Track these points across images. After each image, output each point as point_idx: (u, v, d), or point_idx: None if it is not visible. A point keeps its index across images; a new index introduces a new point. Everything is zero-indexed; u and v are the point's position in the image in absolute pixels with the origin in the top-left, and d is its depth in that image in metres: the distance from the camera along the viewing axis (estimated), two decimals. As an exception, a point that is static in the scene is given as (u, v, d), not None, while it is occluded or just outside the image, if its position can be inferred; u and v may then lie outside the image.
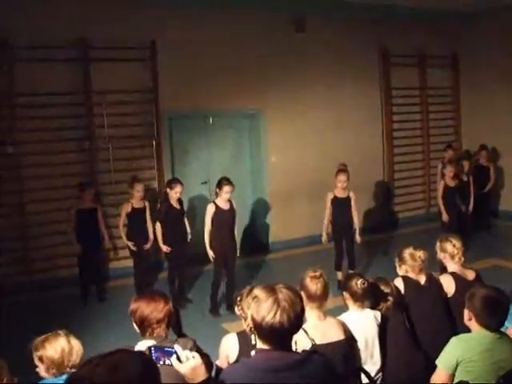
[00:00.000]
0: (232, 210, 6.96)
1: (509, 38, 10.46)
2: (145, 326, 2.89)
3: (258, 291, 2.27)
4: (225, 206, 6.87)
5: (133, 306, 2.95)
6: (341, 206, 7.49)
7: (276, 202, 9.79)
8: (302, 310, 2.27)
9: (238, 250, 7.20)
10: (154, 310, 2.89)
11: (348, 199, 7.50)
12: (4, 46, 7.58)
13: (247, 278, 8.22)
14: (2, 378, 2.82)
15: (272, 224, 9.88)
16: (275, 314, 2.17)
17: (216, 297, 6.92)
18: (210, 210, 6.83)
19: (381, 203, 10.92)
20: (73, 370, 2.88)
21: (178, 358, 2.14)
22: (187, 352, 2.16)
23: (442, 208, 8.52)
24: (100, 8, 8.02)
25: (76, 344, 3.01)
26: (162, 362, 2.20)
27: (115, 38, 8.10)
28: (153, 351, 2.22)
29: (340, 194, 7.49)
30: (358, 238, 7.63)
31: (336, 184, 7.48)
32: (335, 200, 7.51)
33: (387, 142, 10.97)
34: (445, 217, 8.51)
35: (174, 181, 7.40)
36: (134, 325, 2.95)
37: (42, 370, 2.99)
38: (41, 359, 2.98)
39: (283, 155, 9.77)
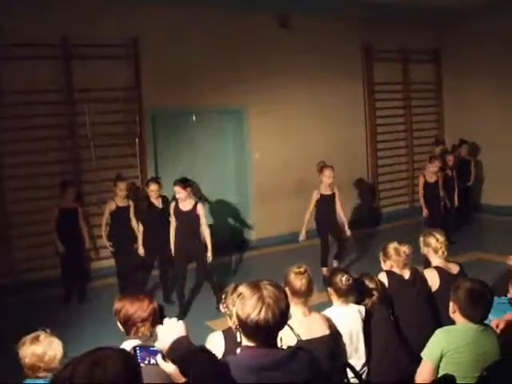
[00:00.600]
0: (193, 212, 6.74)
1: (490, 35, 10.59)
2: (129, 325, 2.85)
3: (242, 288, 2.27)
4: (185, 207, 6.73)
5: (117, 305, 2.91)
6: (327, 203, 7.51)
7: (260, 198, 9.80)
8: (287, 307, 2.27)
9: (210, 252, 6.85)
10: (139, 309, 2.86)
11: (333, 196, 7.54)
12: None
13: (231, 275, 8.23)
14: None
15: (256, 220, 9.87)
16: (260, 310, 2.17)
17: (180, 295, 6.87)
18: (173, 210, 6.82)
19: (365, 199, 10.97)
20: (53, 372, 2.88)
21: (164, 358, 2.14)
22: None
23: (422, 203, 8.67)
24: (82, 5, 7.96)
25: (55, 346, 2.99)
26: (146, 362, 2.20)
27: (98, 36, 8.06)
28: (138, 351, 2.21)
29: (326, 191, 7.51)
30: (348, 231, 7.66)
31: (323, 180, 7.47)
32: (321, 197, 7.51)
33: (370, 138, 11.04)
34: (425, 212, 8.65)
35: (149, 179, 7.42)
36: (119, 324, 2.93)
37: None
38: (21, 360, 2.99)
39: (267, 152, 9.79)
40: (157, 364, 2.17)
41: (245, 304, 2.20)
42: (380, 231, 10.29)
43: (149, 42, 8.50)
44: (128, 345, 2.35)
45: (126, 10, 8.27)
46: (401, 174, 11.60)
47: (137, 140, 8.64)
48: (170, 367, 2.13)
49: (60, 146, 8.20)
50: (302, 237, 7.64)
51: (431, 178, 8.67)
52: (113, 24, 8.19)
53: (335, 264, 7.60)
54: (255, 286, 2.24)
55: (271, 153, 9.80)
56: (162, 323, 3.15)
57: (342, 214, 7.66)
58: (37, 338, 3.03)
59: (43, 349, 2.99)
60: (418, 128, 11.67)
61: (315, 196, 7.53)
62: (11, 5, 7.47)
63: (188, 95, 8.93)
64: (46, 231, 7.49)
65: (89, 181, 8.33)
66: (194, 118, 9.49)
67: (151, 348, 2.20)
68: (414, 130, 11.61)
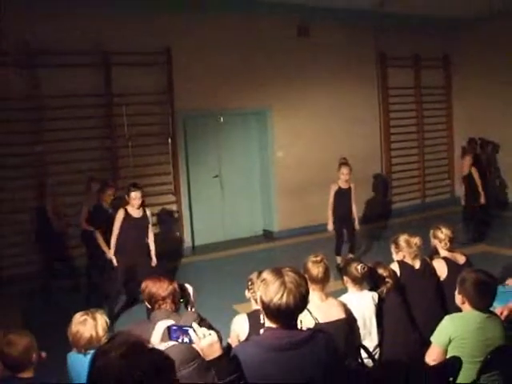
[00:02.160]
0: (144, 219, 6.22)
1: (496, 41, 10.45)
2: (152, 302, 3.04)
3: (266, 274, 2.28)
4: (136, 213, 6.15)
5: (143, 285, 3.11)
6: (342, 197, 7.48)
7: (282, 193, 9.78)
8: (307, 292, 2.28)
9: (154, 256, 6.34)
10: (160, 288, 3.03)
11: (349, 190, 7.51)
12: (32, 53, 7.60)
13: (256, 263, 8.26)
14: (32, 354, 2.86)
15: (278, 214, 9.85)
16: (282, 295, 2.18)
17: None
18: (120, 216, 6.07)
19: (379, 194, 10.89)
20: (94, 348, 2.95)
21: (197, 335, 2.17)
22: (204, 330, 2.18)
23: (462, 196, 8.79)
24: (119, 17, 8.02)
25: (98, 326, 3.06)
26: (180, 340, 2.23)
27: (134, 45, 8.13)
28: (172, 330, 2.25)
29: (343, 185, 7.48)
30: (357, 226, 7.63)
31: (339, 176, 7.47)
32: (338, 191, 7.49)
33: (385, 138, 10.94)
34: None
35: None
36: (146, 301, 3.09)
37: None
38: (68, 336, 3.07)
39: (289, 150, 9.77)
40: (189, 342, 2.20)
41: (268, 289, 2.22)
42: (393, 225, 10.19)
43: (180, 50, 8.55)
44: (163, 324, 2.39)
45: (160, 22, 8.31)
46: (413, 172, 11.48)
47: (169, 139, 8.67)
48: (201, 344, 2.15)
49: (100, 145, 8.28)
50: (330, 226, 7.57)
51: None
52: (147, 34, 8.23)
53: (350, 256, 7.57)
54: (278, 272, 2.26)
55: (293, 151, 9.77)
56: (186, 304, 3.24)
57: (355, 209, 7.61)
58: (83, 319, 3.10)
59: (86, 328, 3.06)
60: (428, 129, 11.55)
61: (333, 189, 7.51)
62: (56, 17, 7.58)
63: (216, 98, 8.94)
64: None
65: (126, 176, 8.38)
66: (222, 119, 9.48)
67: (184, 327, 2.23)
68: (424, 131, 11.49)
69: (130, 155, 8.33)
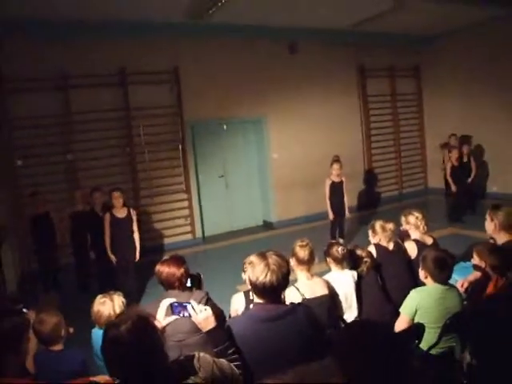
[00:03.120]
0: (128, 218, 6.04)
1: (460, 52, 10.44)
2: (165, 283, 3.01)
3: (252, 257, 2.32)
4: (120, 214, 6.03)
5: (157, 268, 3.05)
6: (336, 189, 7.52)
7: (278, 188, 9.78)
8: (288, 272, 2.32)
9: (138, 253, 6.12)
10: (170, 273, 2.99)
11: (341, 183, 7.55)
12: (62, 77, 7.66)
13: (257, 250, 8.28)
14: (60, 330, 2.90)
15: (275, 207, 9.88)
16: (266, 274, 2.22)
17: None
18: (107, 219, 5.98)
19: (361, 187, 10.90)
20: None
21: (194, 311, 2.20)
22: (201, 306, 2.23)
23: (451, 182, 8.71)
24: (135, 43, 8.03)
25: (115, 306, 3.09)
26: (181, 315, 2.27)
27: (147, 66, 8.16)
28: (174, 306, 2.28)
29: (335, 179, 7.52)
30: (347, 214, 7.67)
31: (331, 172, 7.52)
32: (332, 184, 7.53)
33: (366, 139, 10.92)
34: (453, 188, 8.68)
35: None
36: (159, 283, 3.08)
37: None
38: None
39: (282, 152, 9.76)
40: (189, 316, 2.24)
41: (254, 269, 2.26)
42: (374, 213, 10.18)
43: (187, 68, 8.55)
44: (166, 302, 2.42)
45: (168, 45, 8.32)
46: (391, 167, 11.46)
47: (180, 146, 8.69)
48: (198, 318, 2.19)
49: (121, 153, 8.32)
50: (330, 215, 7.58)
51: (456, 163, 8.73)
52: (158, 56, 8.27)
53: (341, 240, 7.58)
54: (262, 256, 2.30)
55: (286, 153, 9.76)
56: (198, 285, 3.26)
57: (347, 199, 7.64)
58: (103, 300, 3.14)
59: (106, 308, 3.10)
60: (403, 130, 11.50)
61: (328, 183, 7.54)
62: (83, 46, 7.64)
63: (219, 109, 8.95)
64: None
65: (143, 178, 8.44)
66: (225, 127, 9.50)
67: (184, 303, 2.26)
68: (400, 132, 11.44)
69: (146, 160, 8.37)
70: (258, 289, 2.25)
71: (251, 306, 2.39)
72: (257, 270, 2.23)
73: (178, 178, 8.77)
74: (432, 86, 11.38)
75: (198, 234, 9.08)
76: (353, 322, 1.72)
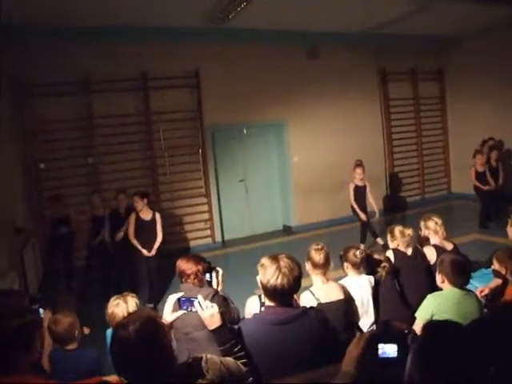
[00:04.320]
0: (153, 220, 6.26)
1: (486, 54, 10.19)
2: (181, 275, 3.18)
3: (264, 260, 2.31)
4: (146, 216, 6.28)
5: (177, 262, 3.23)
6: (360, 193, 7.56)
7: (298, 193, 9.74)
8: (300, 275, 2.29)
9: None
10: (186, 267, 3.15)
11: (365, 187, 7.60)
12: (85, 82, 7.80)
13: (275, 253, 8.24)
14: (74, 330, 2.94)
15: (295, 211, 9.83)
16: (277, 277, 2.20)
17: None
18: (132, 219, 6.25)
19: (383, 191, 10.75)
20: None
21: (200, 306, 2.19)
22: (207, 302, 2.21)
23: (478, 184, 8.55)
24: (156, 48, 8.12)
25: (129, 307, 3.12)
26: (189, 310, 2.26)
27: (168, 70, 8.24)
28: (181, 301, 2.28)
29: (359, 183, 7.57)
30: (377, 215, 7.75)
31: (354, 176, 7.58)
32: (356, 188, 7.56)
33: (387, 143, 10.79)
34: (481, 189, 8.52)
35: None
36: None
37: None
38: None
39: (303, 156, 9.72)
40: (196, 311, 2.23)
41: (265, 272, 2.24)
42: (395, 218, 10.01)
43: (207, 73, 8.60)
44: (174, 296, 2.42)
45: (190, 50, 8.39)
46: (412, 172, 11.30)
47: (200, 150, 8.74)
48: (203, 314, 2.18)
49: (142, 156, 8.41)
50: (362, 216, 7.56)
51: (481, 168, 8.54)
52: (179, 61, 8.34)
53: (361, 245, 7.54)
54: (274, 258, 2.28)
55: (306, 157, 9.72)
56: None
57: (373, 203, 7.67)
58: (116, 302, 3.17)
59: (119, 309, 3.12)
60: (425, 134, 11.34)
61: (351, 187, 7.58)
62: (103, 50, 7.75)
63: (239, 113, 8.97)
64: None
65: (163, 182, 8.51)
66: (245, 130, 9.51)
67: (191, 298, 2.25)
68: (422, 136, 11.28)
69: (166, 164, 8.44)
70: (269, 292, 2.23)
71: (262, 308, 2.37)
72: (268, 273, 2.21)
73: (198, 182, 8.81)
74: (456, 88, 11.16)
75: (218, 238, 9.09)
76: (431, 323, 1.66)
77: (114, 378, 2.63)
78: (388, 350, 1.58)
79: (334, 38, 9.27)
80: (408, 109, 11.04)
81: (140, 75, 8.21)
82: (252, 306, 3.33)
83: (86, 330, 3.08)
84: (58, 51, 7.41)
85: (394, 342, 1.58)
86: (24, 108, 7.42)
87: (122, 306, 3.10)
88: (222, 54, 8.69)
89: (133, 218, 6.27)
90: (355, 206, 7.57)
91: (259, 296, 3.39)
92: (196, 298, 2.20)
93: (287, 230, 9.89)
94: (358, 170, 7.55)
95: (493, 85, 10.19)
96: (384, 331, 1.77)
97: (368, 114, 10.43)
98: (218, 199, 9.18)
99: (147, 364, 1.72)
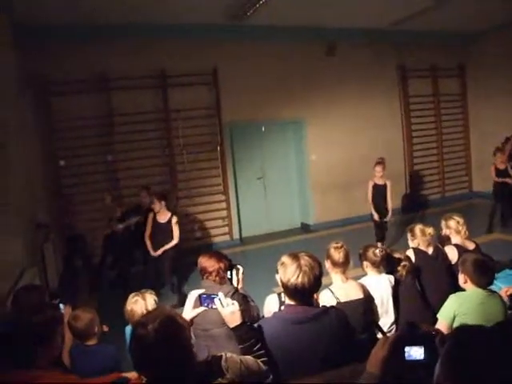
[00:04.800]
0: (169, 222, 6.30)
1: (506, 50, 9.98)
2: (202, 273, 3.17)
3: (284, 258, 2.28)
4: (161, 218, 6.33)
5: (199, 259, 3.23)
6: (378, 192, 7.45)
7: (316, 191, 9.67)
8: (320, 273, 2.27)
9: None
10: (208, 264, 3.14)
11: (385, 186, 7.45)
12: (104, 79, 7.86)
13: (295, 251, 8.21)
14: (94, 326, 2.95)
15: (313, 209, 9.77)
16: (298, 276, 2.18)
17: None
18: (150, 218, 6.36)
19: (402, 189, 10.62)
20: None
21: (221, 304, 2.18)
22: (228, 300, 2.20)
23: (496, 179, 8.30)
24: (174, 46, 8.16)
25: (147, 305, 3.12)
26: (209, 306, 2.25)
27: (186, 68, 8.24)
28: (202, 298, 2.27)
29: (378, 181, 7.45)
30: (388, 217, 7.53)
31: (374, 174, 7.46)
32: (375, 186, 7.47)
33: (407, 140, 10.65)
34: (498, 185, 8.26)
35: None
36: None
37: None
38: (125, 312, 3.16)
39: (321, 154, 9.65)
40: (216, 308, 2.22)
41: (286, 271, 2.22)
42: (415, 217, 9.88)
43: (225, 71, 8.58)
44: (195, 293, 2.42)
45: (208, 48, 8.38)
46: (433, 170, 11.13)
47: (218, 147, 8.73)
48: (224, 311, 2.16)
49: (161, 153, 8.43)
50: (375, 216, 7.48)
51: (501, 166, 8.29)
52: (197, 58, 8.34)
53: (379, 244, 7.48)
54: (294, 257, 2.25)
55: (325, 155, 9.64)
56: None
57: (390, 203, 7.50)
58: (135, 299, 3.18)
59: (138, 306, 3.12)
60: (446, 132, 11.14)
61: (370, 184, 7.49)
62: (118, 46, 7.78)
63: (258, 110, 8.93)
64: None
65: (182, 179, 8.53)
66: (264, 128, 9.48)
67: (212, 295, 2.24)
68: (443, 134, 11.09)
69: (185, 161, 8.45)
70: (290, 290, 2.21)
71: (282, 307, 2.34)
72: (288, 272, 2.19)
73: (216, 179, 8.81)
74: (478, 85, 10.94)
75: (236, 235, 9.09)
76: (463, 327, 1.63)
77: (133, 374, 2.64)
78: (415, 352, 1.54)
79: (353, 34, 9.18)
80: (428, 106, 10.87)
81: (159, 73, 8.23)
82: (271, 305, 3.31)
83: (106, 328, 3.10)
84: (77, 49, 7.47)
85: (420, 345, 1.54)
86: (44, 106, 7.50)
87: (140, 303, 3.10)
88: (240, 52, 8.67)
89: (150, 218, 6.34)
90: (371, 205, 7.48)
91: (278, 294, 3.37)
92: (217, 295, 2.19)
93: (305, 227, 9.84)
94: (376, 168, 7.43)
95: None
96: (410, 333, 1.71)
97: (387, 112, 10.30)
98: (236, 196, 9.17)
99: (166, 363, 1.71)
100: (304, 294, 2.21)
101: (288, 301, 2.29)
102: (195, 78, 8.41)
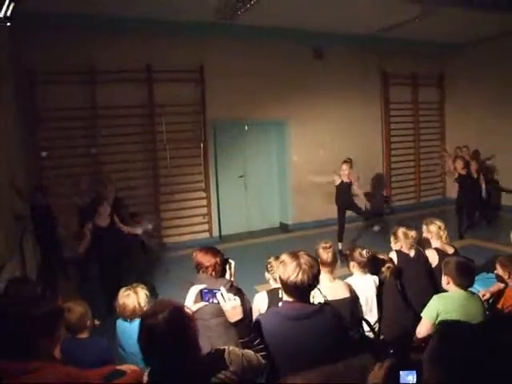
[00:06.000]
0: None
1: (486, 63, 10.34)
2: (198, 268, 3.22)
3: (284, 256, 2.34)
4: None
5: (194, 254, 3.28)
6: (344, 189, 7.77)
7: (296, 191, 9.76)
8: (319, 272, 2.33)
9: None
10: (204, 259, 3.20)
11: (350, 183, 7.78)
12: (90, 71, 7.78)
13: (273, 251, 8.27)
14: (86, 319, 2.95)
15: (293, 209, 9.86)
16: (298, 274, 2.24)
17: None
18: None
19: (378, 192, 10.81)
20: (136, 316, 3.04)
21: (223, 298, 2.21)
22: (230, 295, 2.24)
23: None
24: (162, 41, 8.11)
25: (140, 299, 3.14)
26: (210, 301, 2.27)
27: (172, 64, 8.21)
28: (204, 293, 2.30)
29: (344, 179, 7.76)
30: (366, 202, 8.11)
31: (340, 172, 7.77)
32: (341, 183, 7.77)
33: (386, 145, 10.87)
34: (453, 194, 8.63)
35: None
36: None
37: None
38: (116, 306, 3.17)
39: (303, 156, 9.76)
40: (218, 303, 2.24)
41: (286, 268, 2.27)
42: (390, 220, 10.08)
43: (212, 68, 8.59)
44: (196, 288, 2.45)
45: (195, 44, 8.36)
46: (409, 176, 11.39)
47: (201, 144, 8.72)
48: (226, 306, 2.19)
49: (144, 148, 8.38)
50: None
51: (462, 171, 8.53)
52: (184, 55, 8.32)
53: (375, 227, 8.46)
54: (294, 255, 2.31)
55: (306, 156, 9.75)
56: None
57: (360, 192, 8.01)
58: (127, 293, 3.18)
59: (130, 301, 3.14)
60: (423, 139, 11.44)
61: (336, 179, 7.79)
62: (109, 42, 7.71)
63: (241, 109, 8.97)
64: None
65: (164, 175, 8.49)
66: (247, 127, 9.50)
67: (213, 290, 2.27)
68: (420, 140, 11.38)
69: (167, 157, 8.41)
70: (289, 287, 2.27)
71: (280, 303, 2.40)
72: (288, 269, 2.25)
73: (198, 176, 8.81)
74: (455, 96, 11.28)
75: (215, 232, 9.11)
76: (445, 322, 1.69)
77: (127, 367, 2.66)
78: (408, 376, 1.65)
79: (340, 39, 9.31)
80: (407, 113, 11.13)
81: (145, 67, 8.19)
82: (260, 303, 3.37)
83: (97, 322, 3.09)
84: (64, 39, 7.35)
85: (412, 369, 1.66)
86: (29, 95, 7.37)
87: (132, 297, 3.12)
88: (228, 50, 8.69)
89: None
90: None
91: (267, 292, 3.44)
92: (218, 290, 2.22)
93: (284, 227, 9.93)
94: (344, 166, 7.75)
95: (489, 93, 10.35)
96: (403, 359, 1.82)
97: (369, 117, 10.49)
98: (217, 194, 9.19)
99: (175, 353, 1.75)
100: (303, 291, 2.28)
101: (286, 297, 2.35)
102: (182, 74, 8.40)
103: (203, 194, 8.94)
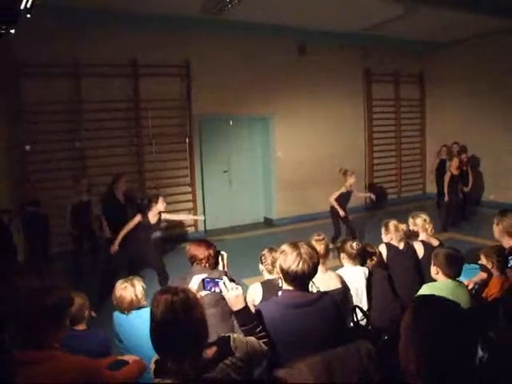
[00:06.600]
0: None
1: (465, 62, 10.57)
2: (192, 260, 3.30)
3: (285, 247, 2.40)
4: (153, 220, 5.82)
5: (187, 247, 3.38)
6: (346, 199, 7.57)
7: (280, 186, 9.85)
8: (318, 261, 2.41)
9: None
10: (198, 252, 3.29)
11: (351, 192, 7.59)
12: (74, 65, 7.68)
13: (257, 245, 8.33)
14: (84, 311, 2.96)
15: (277, 204, 9.95)
16: (298, 263, 2.30)
17: None
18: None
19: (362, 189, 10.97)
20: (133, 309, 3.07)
21: (226, 287, 2.25)
22: (233, 284, 2.27)
23: (447, 192, 8.58)
24: (148, 36, 8.06)
25: (137, 292, 3.16)
26: (213, 290, 2.31)
27: (159, 58, 8.19)
28: (205, 282, 2.33)
29: (349, 189, 7.54)
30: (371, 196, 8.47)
31: (349, 183, 7.47)
32: (346, 193, 7.53)
33: (368, 141, 11.02)
34: (447, 198, 8.60)
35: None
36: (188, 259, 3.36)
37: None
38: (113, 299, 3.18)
39: (287, 151, 9.83)
40: (220, 292, 2.28)
41: (287, 258, 2.33)
42: (372, 215, 10.23)
43: (198, 64, 8.59)
44: (198, 278, 2.49)
45: (181, 39, 8.35)
46: (391, 171, 11.58)
47: (187, 139, 8.73)
48: (229, 295, 2.22)
49: (129, 143, 8.33)
50: (341, 213, 7.49)
51: (455, 172, 8.64)
52: (170, 49, 8.30)
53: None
54: (295, 245, 2.37)
55: (291, 152, 9.83)
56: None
57: (361, 194, 8.34)
58: (124, 286, 3.20)
59: (127, 293, 3.15)
60: (405, 135, 11.63)
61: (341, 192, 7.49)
62: (91, 32, 7.58)
63: (227, 105, 8.99)
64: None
65: (149, 170, 8.47)
66: (231, 122, 9.55)
67: (216, 279, 2.30)
68: (402, 137, 11.57)
69: (153, 152, 8.39)
70: (290, 276, 2.33)
71: (279, 293, 2.46)
72: (289, 259, 2.31)
73: (184, 170, 8.81)
74: (435, 93, 11.51)
75: (201, 227, 9.14)
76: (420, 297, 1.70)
77: (128, 357, 2.69)
78: None
79: (324, 36, 9.39)
80: (389, 109, 11.30)
81: (130, 62, 8.13)
82: (254, 294, 3.42)
83: (93, 314, 3.10)
84: (49, 32, 7.23)
85: None
86: (13, 87, 7.25)
87: (130, 290, 3.13)
88: (214, 46, 8.69)
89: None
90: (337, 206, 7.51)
91: (261, 283, 3.49)
92: (221, 279, 2.26)
93: (268, 222, 10.01)
94: (353, 179, 7.51)
95: (467, 91, 10.60)
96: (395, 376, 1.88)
97: (352, 113, 10.63)
98: (202, 189, 9.20)
99: (187, 337, 1.79)
100: (303, 280, 2.34)
101: (286, 286, 2.41)
102: (167, 69, 8.39)
103: (188, 189, 8.94)
